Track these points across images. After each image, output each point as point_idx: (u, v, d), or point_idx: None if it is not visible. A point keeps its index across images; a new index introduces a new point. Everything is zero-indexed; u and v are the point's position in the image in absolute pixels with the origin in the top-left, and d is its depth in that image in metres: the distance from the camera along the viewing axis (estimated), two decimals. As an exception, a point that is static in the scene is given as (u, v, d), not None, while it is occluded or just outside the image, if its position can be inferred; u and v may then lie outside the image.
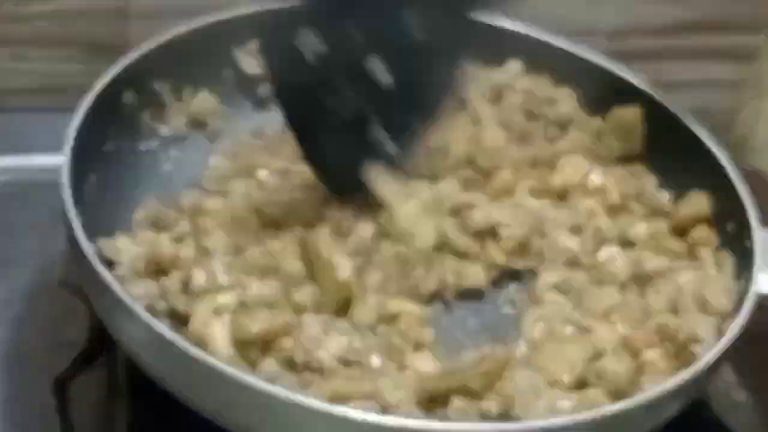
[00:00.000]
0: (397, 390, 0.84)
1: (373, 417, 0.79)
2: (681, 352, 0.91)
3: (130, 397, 0.95)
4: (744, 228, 0.96)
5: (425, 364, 0.89)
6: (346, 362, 0.87)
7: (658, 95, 1.08)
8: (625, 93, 1.09)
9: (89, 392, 0.98)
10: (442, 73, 0.97)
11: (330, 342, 0.87)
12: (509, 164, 1.03)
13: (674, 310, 0.95)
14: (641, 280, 0.98)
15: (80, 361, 0.99)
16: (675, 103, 1.08)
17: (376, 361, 0.88)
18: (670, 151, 1.07)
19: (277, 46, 0.96)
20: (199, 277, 0.91)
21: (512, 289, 1.00)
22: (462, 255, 0.97)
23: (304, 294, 0.91)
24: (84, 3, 1.21)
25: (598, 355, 0.90)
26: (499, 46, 1.13)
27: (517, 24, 1.13)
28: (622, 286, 0.97)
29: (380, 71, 0.93)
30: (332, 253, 0.92)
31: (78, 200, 0.92)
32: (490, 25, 1.10)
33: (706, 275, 0.97)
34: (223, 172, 1.05)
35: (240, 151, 1.08)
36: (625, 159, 1.08)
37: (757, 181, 1.36)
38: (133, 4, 1.22)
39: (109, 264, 0.92)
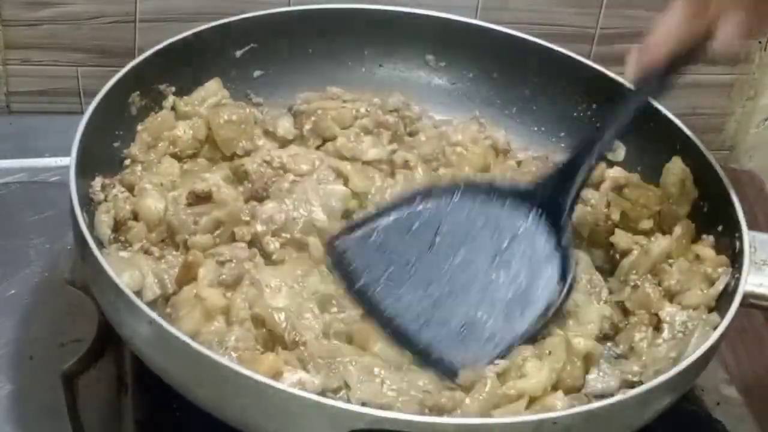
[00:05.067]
0: None
1: (368, 411, 0.80)
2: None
3: (136, 392, 0.96)
4: (733, 229, 0.98)
5: None
6: None
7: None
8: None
9: (97, 387, 1.00)
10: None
11: None
12: None
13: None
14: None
15: (88, 357, 1.01)
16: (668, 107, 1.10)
17: None
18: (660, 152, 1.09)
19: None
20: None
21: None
22: None
23: None
24: (92, 8, 1.23)
25: None
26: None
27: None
28: None
29: None
30: None
31: (84, 200, 0.94)
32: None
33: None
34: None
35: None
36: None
37: (747, 181, 1.39)
38: (139, 10, 1.24)
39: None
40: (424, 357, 0.91)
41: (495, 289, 0.95)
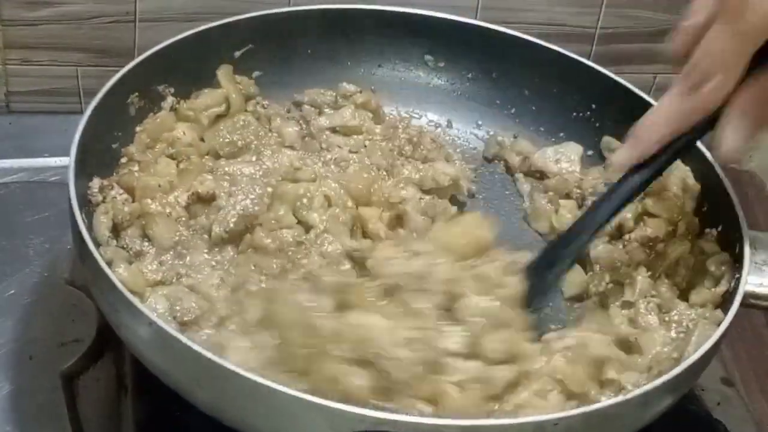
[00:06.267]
0: None
1: (369, 412, 0.79)
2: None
3: (136, 393, 0.96)
4: (733, 229, 0.97)
5: None
6: None
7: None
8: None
9: (97, 387, 1.00)
10: None
11: None
12: None
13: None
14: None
15: (87, 357, 1.01)
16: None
17: None
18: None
19: None
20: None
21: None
22: None
23: None
24: (91, 8, 1.23)
25: None
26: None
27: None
28: None
29: None
30: None
31: (83, 201, 0.94)
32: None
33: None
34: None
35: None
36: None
37: (747, 181, 1.38)
38: (139, 10, 1.24)
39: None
40: None
41: None
